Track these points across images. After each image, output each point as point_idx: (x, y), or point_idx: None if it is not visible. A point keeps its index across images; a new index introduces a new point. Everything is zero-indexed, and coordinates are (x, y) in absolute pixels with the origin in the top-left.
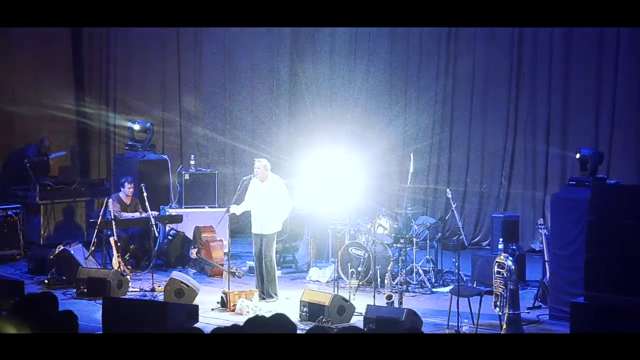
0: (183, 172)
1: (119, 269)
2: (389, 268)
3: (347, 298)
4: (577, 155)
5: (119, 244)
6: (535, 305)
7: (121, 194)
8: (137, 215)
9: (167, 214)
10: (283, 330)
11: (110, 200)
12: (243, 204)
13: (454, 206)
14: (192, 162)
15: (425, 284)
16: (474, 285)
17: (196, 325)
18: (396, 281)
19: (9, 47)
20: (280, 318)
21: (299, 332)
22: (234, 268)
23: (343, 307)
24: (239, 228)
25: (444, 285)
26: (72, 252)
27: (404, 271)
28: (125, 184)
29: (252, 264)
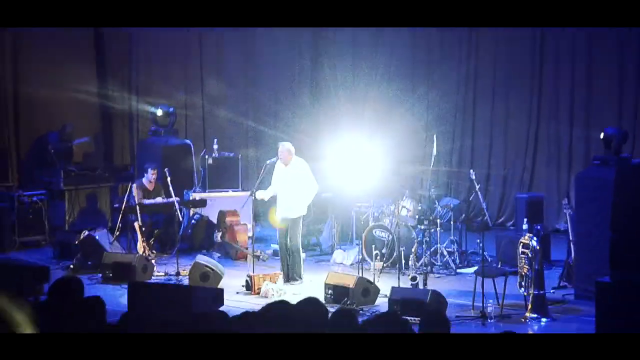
0: (206, 157)
1: (143, 254)
2: (413, 249)
3: (372, 280)
4: (601, 135)
5: (143, 228)
6: (561, 285)
7: (144, 180)
8: (159, 200)
9: (191, 198)
10: (314, 315)
11: (134, 185)
12: (270, 188)
13: (477, 187)
14: (215, 147)
15: (449, 265)
16: (499, 266)
17: (221, 308)
18: (420, 262)
19: (31, 32)
20: (312, 303)
21: None
22: (259, 251)
23: (368, 289)
24: (263, 212)
25: (468, 266)
26: (97, 238)
27: (428, 252)
28: (149, 169)
29: (277, 247)
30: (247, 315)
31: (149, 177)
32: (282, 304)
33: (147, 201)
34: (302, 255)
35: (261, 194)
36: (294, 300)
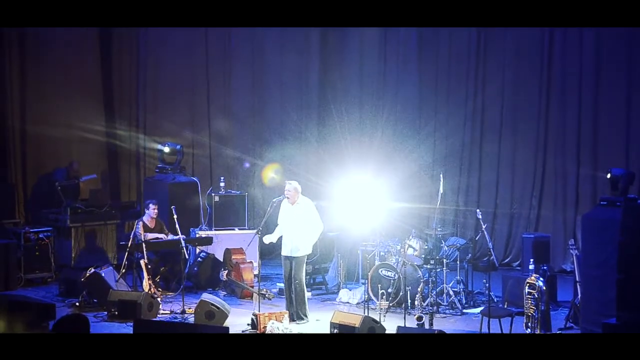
0: (213, 194)
1: (149, 292)
2: (419, 289)
3: (378, 319)
4: (608, 176)
5: (149, 266)
6: (567, 326)
7: (144, 217)
8: (162, 236)
9: (197, 236)
10: None
11: (140, 223)
12: (277, 229)
13: (484, 227)
14: (222, 184)
15: (455, 305)
16: (505, 306)
17: None
18: (426, 302)
19: (39, 70)
20: None
21: None
22: (264, 290)
23: (373, 329)
24: (269, 250)
25: (474, 306)
26: (102, 275)
27: (435, 292)
28: (150, 205)
29: (282, 285)
30: None
31: (150, 214)
32: None
33: (150, 235)
34: (308, 294)
35: (269, 238)
36: None
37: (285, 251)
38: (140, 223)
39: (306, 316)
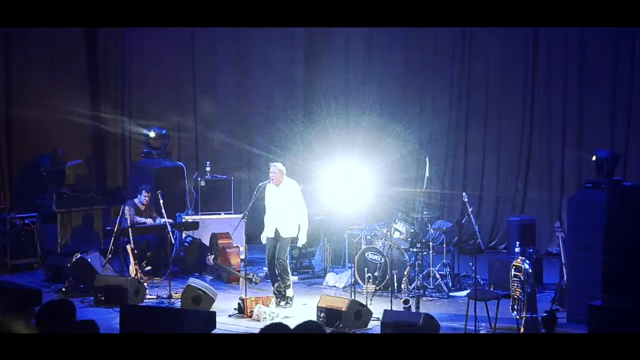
0: (199, 179)
1: (136, 277)
2: (405, 272)
3: (364, 303)
4: (593, 158)
5: (135, 251)
6: (553, 308)
7: (136, 200)
8: (150, 221)
9: (184, 220)
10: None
11: (127, 207)
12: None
13: (470, 210)
14: (208, 169)
15: (442, 288)
16: (491, 289)
17: (214, 332)
18: (413, 286)
19: (24, 53)
20: (311, 325)
21: None
22: (251, 274)
23: (360, 312)
24: (256, 234)
25: (461, 290)
26: (89, 260)
27: (421, 276)
28: (143, 191)
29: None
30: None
31: (142, 200)
32: (280, 327)
33: (139, 218)
34: (294, 278)
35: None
36: (286, 323)
37: (269, 232)
38: (127, 208)
39: (291, 299)
